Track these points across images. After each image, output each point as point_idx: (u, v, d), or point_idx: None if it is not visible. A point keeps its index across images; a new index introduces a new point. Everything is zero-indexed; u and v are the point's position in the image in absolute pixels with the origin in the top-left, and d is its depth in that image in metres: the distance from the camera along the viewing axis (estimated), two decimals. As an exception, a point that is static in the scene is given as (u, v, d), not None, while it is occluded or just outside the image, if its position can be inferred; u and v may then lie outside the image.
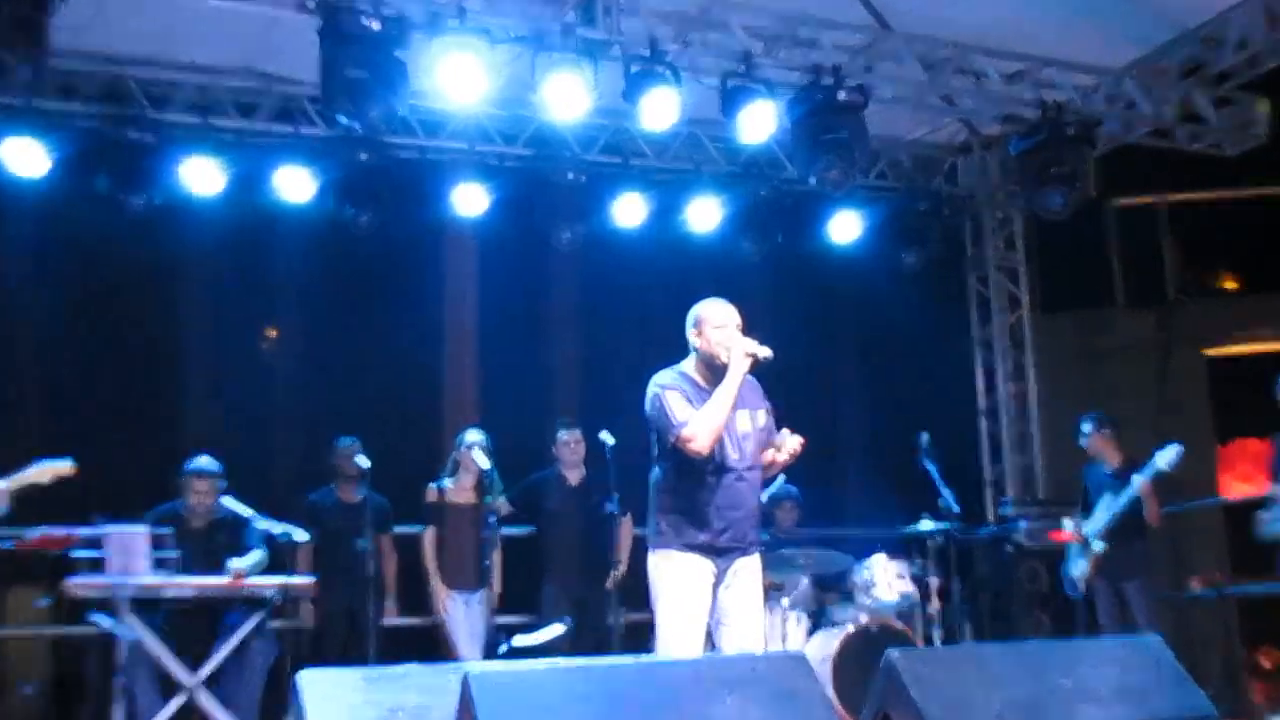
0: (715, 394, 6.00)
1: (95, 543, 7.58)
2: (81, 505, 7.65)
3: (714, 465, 6.02)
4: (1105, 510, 9.26)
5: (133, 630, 7.48)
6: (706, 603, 6.02)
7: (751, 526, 6.15)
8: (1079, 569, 9.43)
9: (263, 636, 7.96)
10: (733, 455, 6.07)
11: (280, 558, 8.11)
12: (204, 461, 8.35)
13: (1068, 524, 9.63)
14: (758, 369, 6.12)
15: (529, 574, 9.45)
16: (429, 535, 9.18)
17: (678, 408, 5.99)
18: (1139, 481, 8.96)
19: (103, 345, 9.54)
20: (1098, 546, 9.27)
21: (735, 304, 6.24)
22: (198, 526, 8.23)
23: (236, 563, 7.86)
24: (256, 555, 8.17)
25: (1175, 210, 14.08)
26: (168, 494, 8.34)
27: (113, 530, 7.61)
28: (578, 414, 9.67)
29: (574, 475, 9.50)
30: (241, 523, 8.30)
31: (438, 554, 9.15)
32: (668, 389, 6.06)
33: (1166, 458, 8.88)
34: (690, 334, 6.18)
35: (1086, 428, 9.53)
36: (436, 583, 9.11)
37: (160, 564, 7.70)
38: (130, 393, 9.53)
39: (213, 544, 8.17)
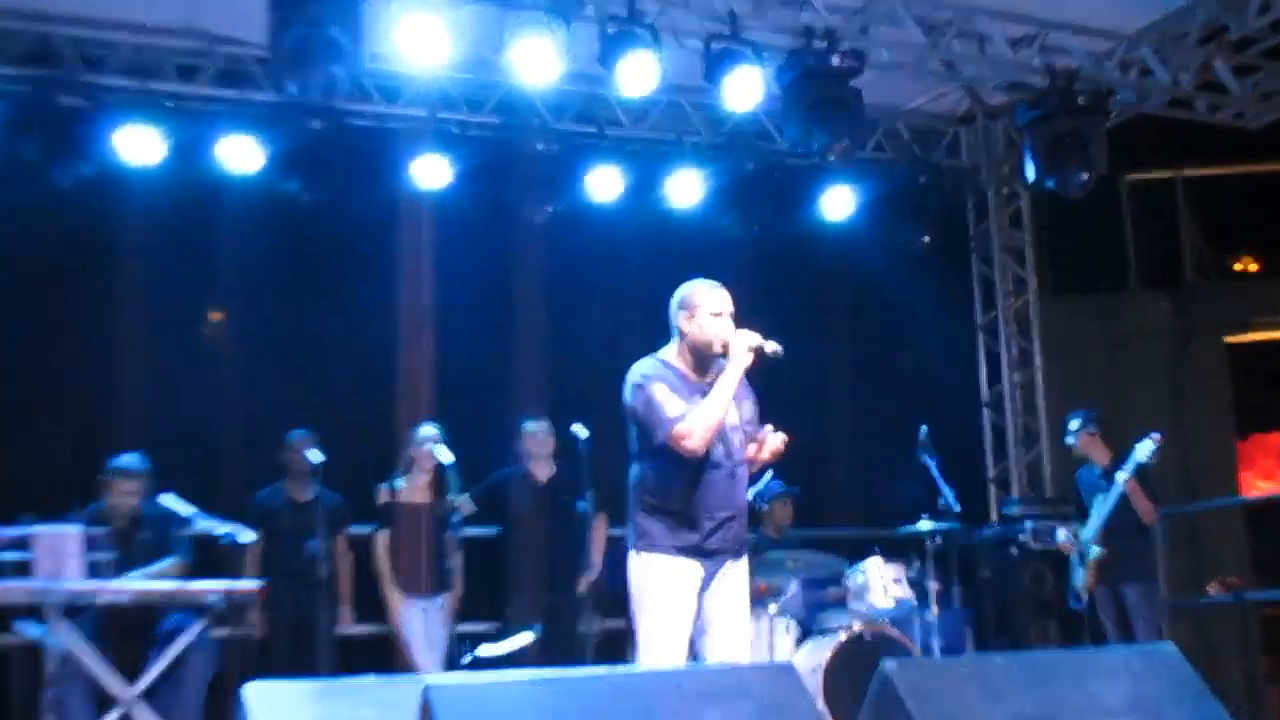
0: (714, 389, 6.00)
1: (22, 544, 7.54)
2: (7, 504, 7.61)
3: (702, 462, 6.01)
4: (1097, 513, 9.31)
5: (63, 639, 7.45)
6: (691, 609, 6.02)
7: (741, 527, 6.16)
8: (1080, 578, 9.48)
9: (202, 646, 7.95)
10: (721, 450, 6.07)
11: (225, 561, 8.09)
12: (129, 460, 8.32)
13: (1062, 533, 9.68)
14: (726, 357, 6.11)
15: (494, 578, 9.46)
16: (381, 538, 9.16)
17: (667, 402, 5.98)
18: (1122, 479, 9.00)
19: (30, 330, 9.49)
20: (1094, 552, 9.31)
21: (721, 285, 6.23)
22: (119, 527, 8.21)
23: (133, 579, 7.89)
24: (167, 563, 8.17)
25: (1193, 186, 14.12)
26: (97, 493, 8.33)
27: (42, 530, 7.57)
28: (548, 406, 9.68)
29: (542, 471, 9.50)
30: (166, 521, 8.28)
31: (391, 558, 9.14)
32: (653, 380, 6.04)
33: (1145, 450, 8.93)
34: (679, 317, 6.16)
35: (1073, 425, 9.57)
36: (390, 589, 9.10)
37: (94, 567, 7.67)
38: (61, 382, 9.49)
39: (132, 544, 8.14)
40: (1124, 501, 9.10)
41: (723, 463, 6.07)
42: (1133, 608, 9.23)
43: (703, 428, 5.94)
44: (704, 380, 6.11)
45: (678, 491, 6.03)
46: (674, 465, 6.01)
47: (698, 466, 6.01)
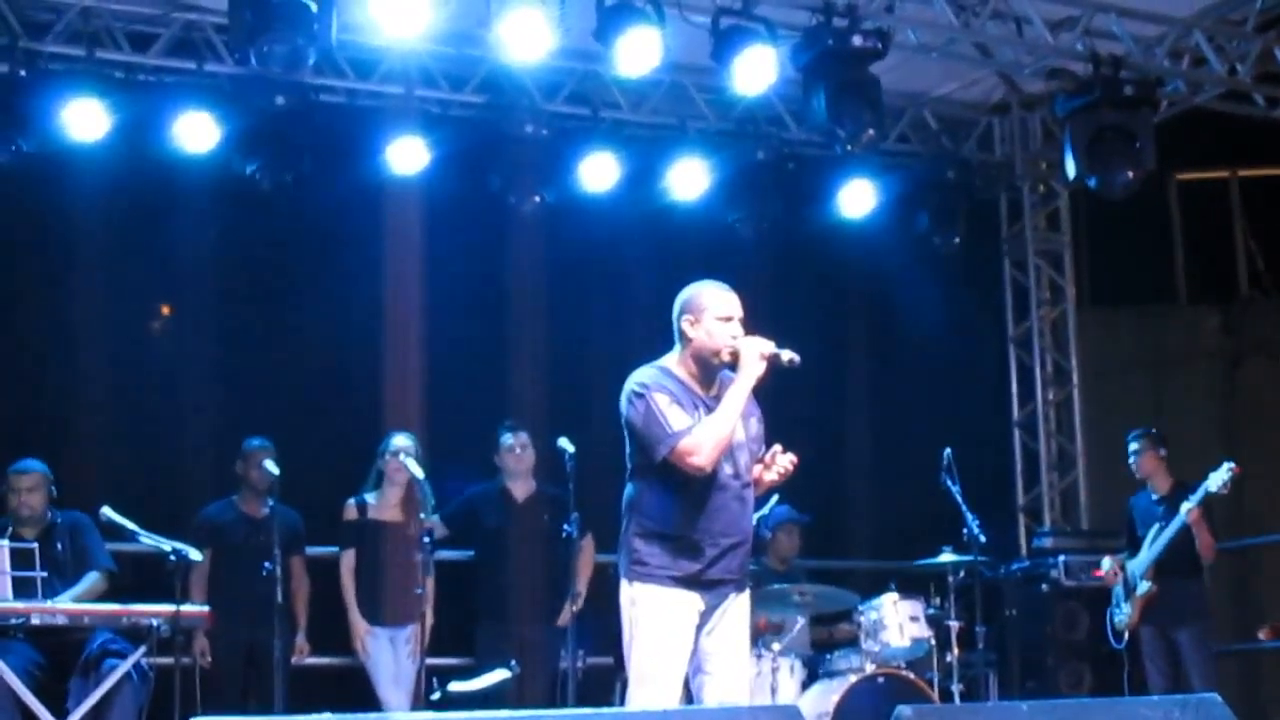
0: (725, 400, 5.95)
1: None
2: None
3: (706, 482, 5.96)
4: (1151, 544, 9.29)
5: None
6: (688, 646, 5.97)
7: (746, 556, 6.11)
8: (1122, 614, 9.45)
9: (135, 674, 7.92)
10: (727, 470, 6.01)
11: (169, 581, 8.05)
12: (24, 462, 8.35)
13: (1107, 563, 9.65)
14: (729, 366, 6.08)
15: (466, 607, 9.43)
16: (347, 559, 9.13)
17: (672, 414, 5.93)
18: (1187, 509, 8.98)
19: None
20: (1143, 588, 9.29)
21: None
22: (30, 537, 8.17)
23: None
24: (91, 580, 8.13)
25: (1249, 188, 14.12)
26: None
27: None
28: (535, 416, 9.64)
29: (520, 489, 9.47)
30: (84, 530, 8.26)
31: (357, 582, 9.10)
32: (654, 390, 5.99)
33: (1219, 479, 8.91)
34: (682, 322, 6.11)
35: (1135, 446, 9.55)
36: (355, 616, 9.07)
37: (20, 585, 7.65)
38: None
39: (49, 556, 8.12)
40: (1183, 535, 9.08)
41: (729, 484, 6.01)
42: (1186, 653, 9.21)
43: (711, 443, 5.89)
44: (708, 393, 6.06)
45: (678, 514, 5.97)
46: (675, 485, 5.96)
47: (702, 487, 5.96)
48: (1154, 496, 9.47)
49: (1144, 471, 9.54)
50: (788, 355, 6.00)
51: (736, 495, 6.04)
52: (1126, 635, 9.47)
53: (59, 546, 8.21)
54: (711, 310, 6.07)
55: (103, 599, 8.13)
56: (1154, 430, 9.62)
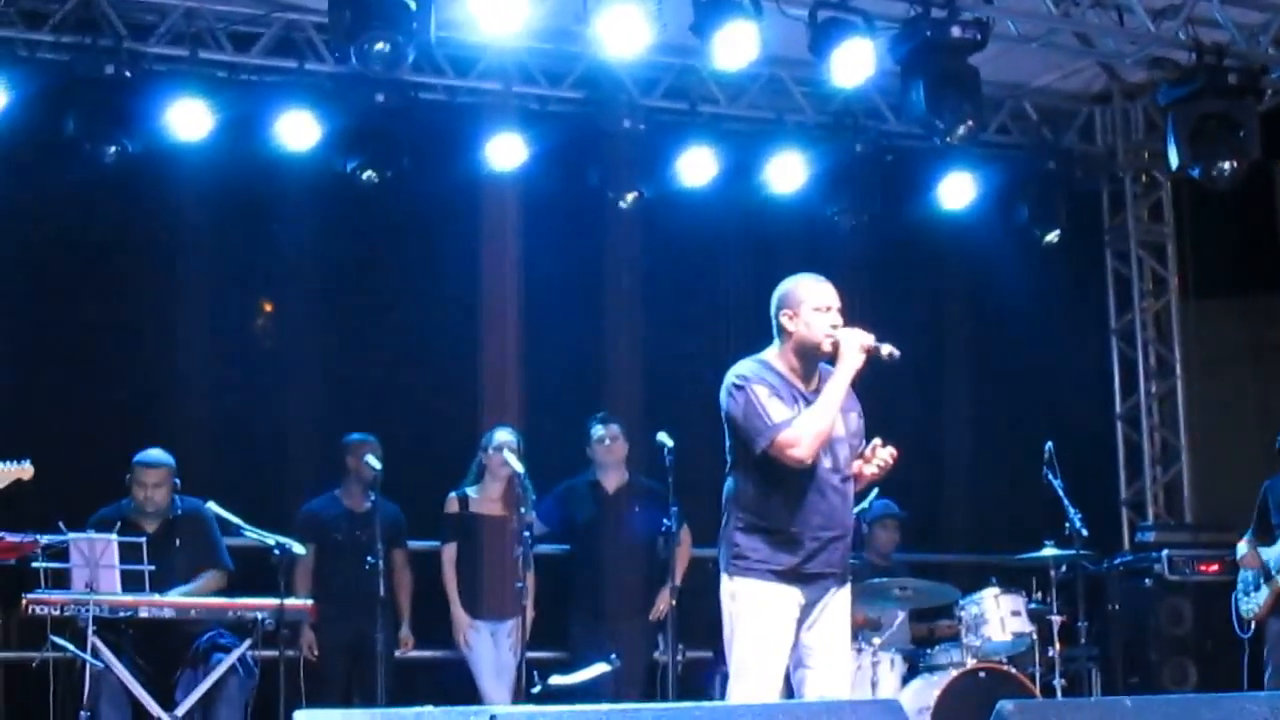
0: (824, 392, 5.97)
1: (60, 553, 7.66)
2: (41, 507, 7.72)
3: (806, 476, 5.99)
4: None
5: (99, 656, 7.56)
6: (789, 639, 5.99)
7: (847, 549, 6.14)
8: (1251, 603, 9.34)
9: (242, 667, 8.03)
10: (827, 464, 6.03)
11: (274, 576, 8.17)
12: (152, 450, 8.44)
13: (1243, 547, 9.49)
14: (829, 360, 6.09)
15: (563, 600, 9.49)
16: (449, 553, 9.21)
17: (772, 407, 5.95)
18: None
19: (67, 322, 9.61)
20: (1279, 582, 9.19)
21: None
22: (150, 531, 8.31)
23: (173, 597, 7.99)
24: (205, 580, 8.28)
25: (1360, 176, 13.91)
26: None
27: (80, 538, 7.69)
28: (632, 411, 9.67)
29: (612, 481, 9.51)
30: (205, 527, 8.37)
31: (459, 575, 9.18)
32: (754, 382, 6.02)
33: None
34: (781, 316, 6.12)
35: None
36: (457, 610, 9.15)
37: (127, 578, 7.78)
38: (97, 378, 9.60)
39: (166, 550, 8.25)
40: None
41: (828, 477, 6.03)
42: None
43: (811, 434, 5.91)
44: (808, 388, 6.08)
45: (779, 508, 6.00)
46: (776, 478, 5.99)
47: (802, 481, 5.98)
48: None
49: None
50: (887, 349, 6.00)
51: (836, 489, 6.06)
52: (1253, 625, 9.35)
53: (177, 542, 8.33)
54: (809, 302, 6.08)
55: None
56: None
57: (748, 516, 6.05)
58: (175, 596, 7.99)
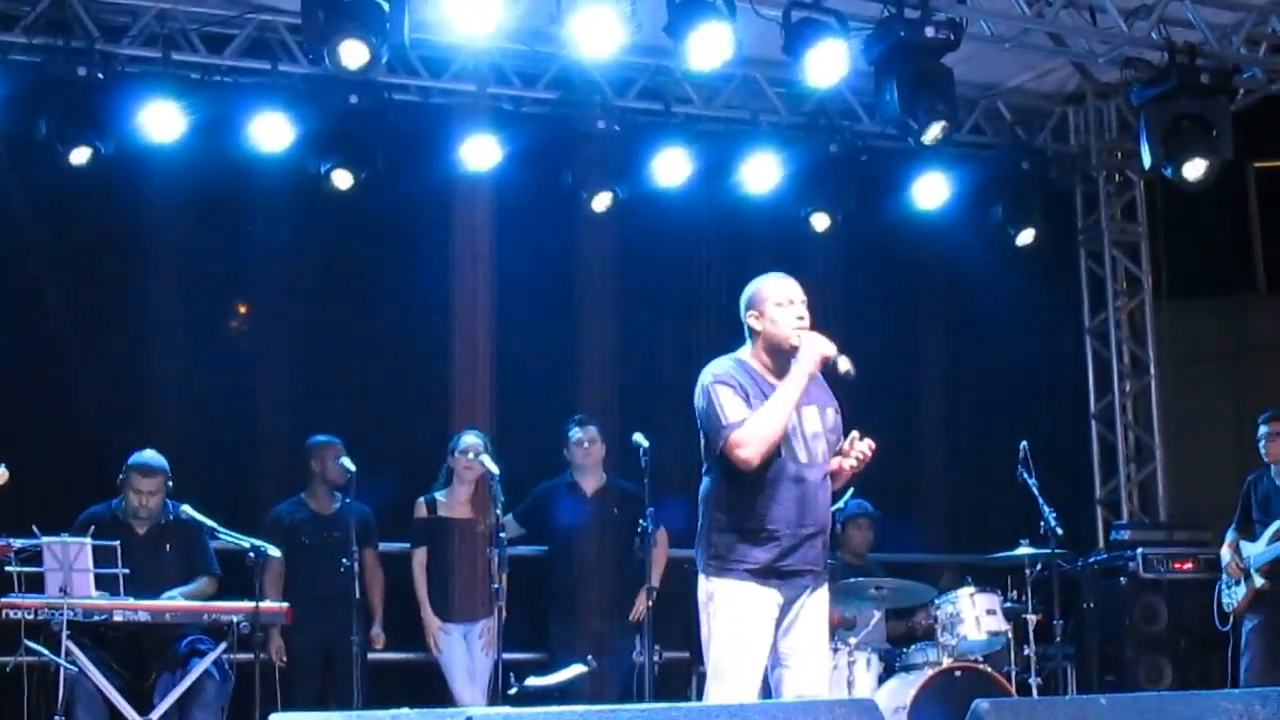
0: (774, 396, 5.98)
1: (33, 556, 7.64)
2: (13, 513, 7.69)
3: (780, 471, 6.00)
4: (1269, 540, 9.17)
5: (74, 661, 7.54)
6: (766, 639, 5.99)
7: (824, 546, 6.13)
8: (1232, 596, 9.38)
9: (219, 671, 8.02)
10: (802, 459, 6.04)
11: (247, 579, 8.16)
12: (149, 455, 8.42)
13: (1226, 554, 9.48)
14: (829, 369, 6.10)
15: (540, 602, 9.48)
16: (418, 557, 9.20)
17: (730, 406, 5.97)
18: None
19: (38, 324, 9.57)
20: (1257, 582, 9.22)
21: (798, 281, 6.22)
22: (141, 534, 8.30)
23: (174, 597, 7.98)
24: (200, 583, 8.25)
25: (1331, 177, 14.01)
26: (108, 499, 8.42)
27: (53, 542, 7.66)
28: (607, 413, 9.67)
29: (590, 483, 9.51)
30: (195, 532, 8.36)
31: (429, 579, 9.17)
32: (719, 382, 6.04)
33: None
34: (749, 317, 6.15)
35: (1265, 429, 9.40)
36: (428, 613, 9.13)
37: (102, 582, 7.76)
38: (72, 381, 9.57)
39: (156, 554, 8.23)
40: None
41: (803, 474, 6.04)
42: None
43: (758, 437, 5.92)
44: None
45: (754, 506, 6.00)
46: (750, 477, 5.99)
47: (777, 478, 5.99)
48: (1279, 481, 9.38)
49: (1272, 455, 9.37)
50: (845, 365, 6.01)
51: (812, 485, 6.06)
52: (1233, 619, 9.40)
53: (168, 547, 8.35)
54: (771, 299, 6.11)
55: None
56: None
57: (723, 516, 6.06)
58: (167, 600, 7.98)
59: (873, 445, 6.09)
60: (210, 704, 7.96)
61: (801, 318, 6.08)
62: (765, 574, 5.97)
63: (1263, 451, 9.45)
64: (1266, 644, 9.25)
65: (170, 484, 8.42)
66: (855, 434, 6.14)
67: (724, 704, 5.65)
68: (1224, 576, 9.54)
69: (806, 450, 6.05)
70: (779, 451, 5.98)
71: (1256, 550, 9.27)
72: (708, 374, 6.10)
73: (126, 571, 7.80)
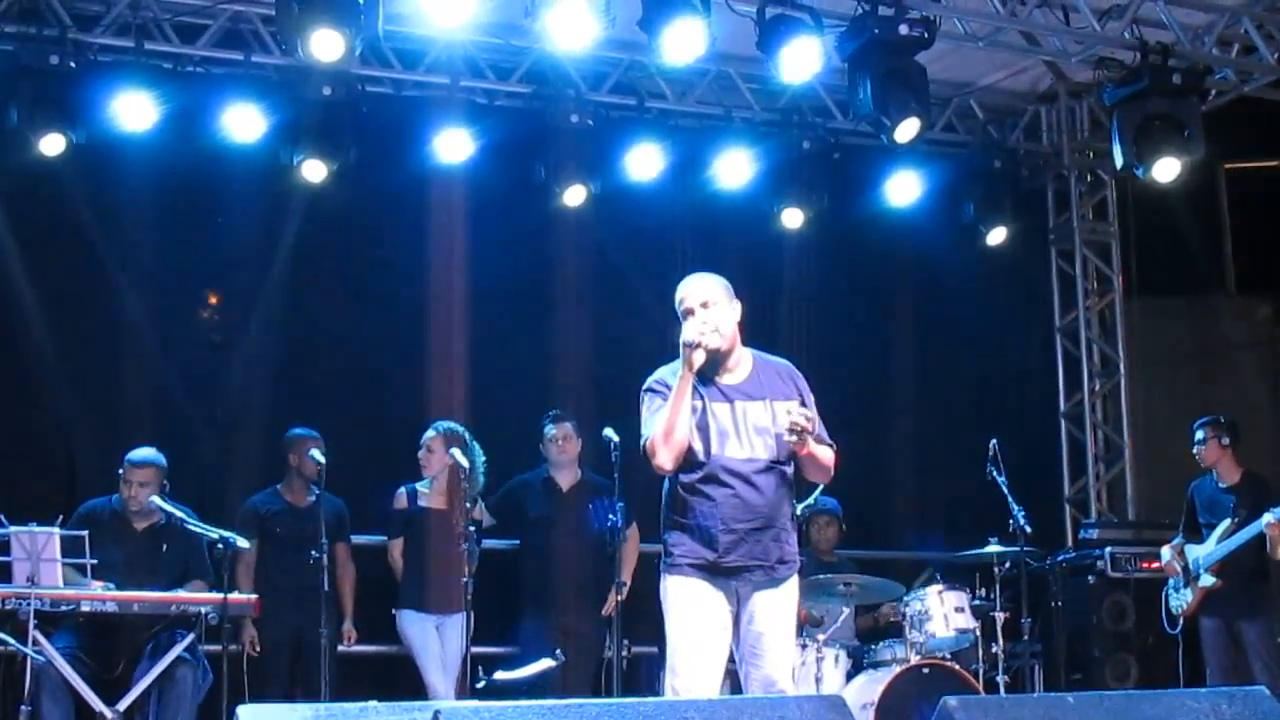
0: (668, 399, 6.01)
1: (0, 546, 7.62)
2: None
3: (714, 469, 6.04)
4: (1219, 539, 9.24)
5: (41, 651, 7.51)
6: (721, 634, 6.02)
7: (772, 540, 6.09)
8: (1180, 600, 9.43)
9: (193, 662, 8.00)
10: (739, 454, 6.05)
11: (217, 571, 8.15)
12: (144, 449, 8.41)
13: (1166, 553, 9.58)
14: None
15: (511, 596, 9.47)
16: (396, 547, 9.20)
17: (651, 416, 6.06)
18: (1269, 520, 8.88)
19: (7, 314, 9.53)
20: (1206, 581, 9.26)
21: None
22: (139, 530, 8.28)
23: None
24: (193, 587, 8.27)
25: (1300, 178, 14.02)
26: (78, 492, 8.39)
27: (19, 532, 7.63)
28: (581, 407, 9.67)
29: (565, 478, 9.52)
30: (193, 536, 8.32)
31: (405, 569, 9.17)
32: (647, 390, 6.15)
33: None
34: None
35: (1200, 435, 9.48)
36: (402, 603, 9.14)
37: (75, 572, 7.74)
38: (42, 373, 9.53)
39: (152, 553, 8.22)
40: (1257, 541, 9.02)
41: (741, 469, 6.05)
42: (1251, 647, 9.16)
43: (658, 444, 5.99)
44: (730, 380, 6.12)
45: (695, 503, 6.07)
46: (685, 476, 6.07)
47: (716, 475, 6.03)
48: (1221, 485, 9.38)
49: (1208, 461, 9.45)
50: (697, 357, 5.94)
51: (754, 480, 6.05)
52: (1181, 621, 9.45)
53: (164, 548, 8.33)
54: (678, 307, 6.15)
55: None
56: (1221, 419, 9.49)
57: (672, 515, 6.14)
58: (133, 591, 7.96)
59: (807, 413, 5.98)
60: (185, 696, 7.94)
61: (702, 320, 6.04)
62: (711, 570, 6.03)
63: (1198, 457, 9.51)
64: (1225, 645, 9.29)
65: (166, 483, 8.39)
66: (790, 404, 6.05)
67: (692, 699, 5.66)
68: (1170, 580, 9.59)
69: (747, 446, 6.06)
70: (709, 449, 6.02)
71: (1205, 551, 9.32)
72: (650, 379, 6.16)
73: (95, 562, 7.76)
